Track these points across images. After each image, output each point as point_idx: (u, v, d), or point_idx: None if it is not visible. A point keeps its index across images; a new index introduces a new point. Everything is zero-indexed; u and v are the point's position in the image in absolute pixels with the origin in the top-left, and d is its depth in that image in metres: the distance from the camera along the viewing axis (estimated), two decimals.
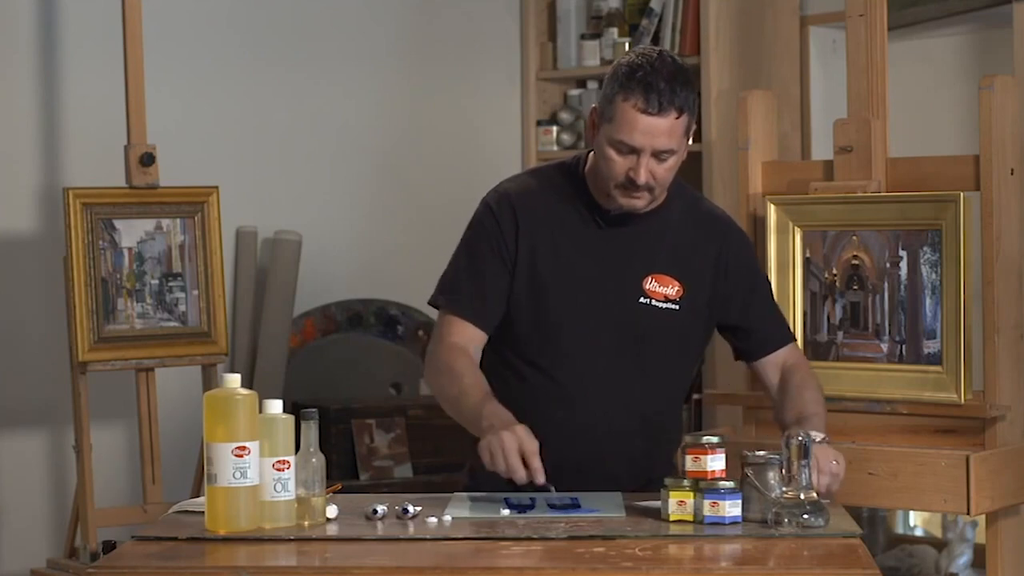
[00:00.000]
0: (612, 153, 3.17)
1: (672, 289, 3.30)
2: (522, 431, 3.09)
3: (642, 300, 3.29)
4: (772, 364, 3.42)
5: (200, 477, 4.61)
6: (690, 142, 3.22)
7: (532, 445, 3.07)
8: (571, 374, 3.28)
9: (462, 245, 3.38)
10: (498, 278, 3.30)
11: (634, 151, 3.15)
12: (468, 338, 3.31)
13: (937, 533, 5.27)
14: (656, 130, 3.13)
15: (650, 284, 3.29)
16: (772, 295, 3.50)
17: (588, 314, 3.27)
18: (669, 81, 3.12)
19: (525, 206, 3.31)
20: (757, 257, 3.53)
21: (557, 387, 3.28)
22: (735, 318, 3.38)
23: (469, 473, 3.40)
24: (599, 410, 3.28)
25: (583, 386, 3.28)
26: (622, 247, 3.29)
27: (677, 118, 3.14)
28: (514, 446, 3.07)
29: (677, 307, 3.30)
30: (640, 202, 3.21)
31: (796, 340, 3.52)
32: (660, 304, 3.29)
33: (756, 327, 3.41)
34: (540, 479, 3.07)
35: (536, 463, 3.06)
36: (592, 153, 3.30)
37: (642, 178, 3.15)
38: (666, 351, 3.33)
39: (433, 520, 2.97)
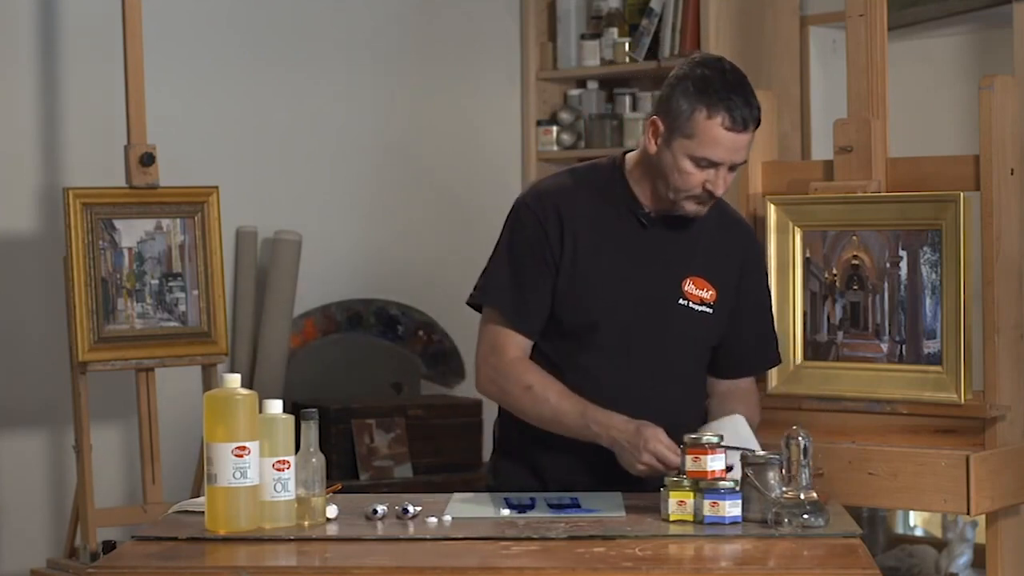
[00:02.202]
0: (690, 166, 3.19)
1: (708, 293, 3.32)
2: (637, 431, 3.14)
3: (680, 302, 3.30)
4: (725, 384, 3.45)
5: (200, 477, 4.61)
6: None
7: (658, 434, 3.12)
8: (607, 372, 3.29)
9: (505, 250, 3.34)
10: (542, 284, 3.29)
11: (713, 164, 3.19)
12: (523, 349, 3.31)
13: (937, 533, 5.28)
14: (740, 144, 3.19)
15: (689, 286, 3.31)
16: (771, 316, 3.52)
17: (626, 313, 3.28)
18: (745, 94, 3.18)
19: (567, 204, 3.31)
20: (768, 278, 3.56)
21: (593, 384, 3.28)
22: (728, 329, 3.39)
23: (492, 471, 3.41)
24: (632, 409, 3.26)
25: (617, 385, 3.28)
26: (662, 248, 3.31)
27: (755, 129, 3.20)
28: (655, 449, 3.12)
29: (711, 311, 3.32)
30: (705, 208, 3.26)
31: (775, 364, 3.57)
32: (697, 307, 3.31)
33: (738, 347, 3.42)
34: (676, 460, 3.09)
35: (670, 443, 3.11)
36: (629, 154, 3.34)
37: (721, 190, 3.21)
38: (696, 354, 3.36)
39: (433, 520, 2.97)
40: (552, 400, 3.25)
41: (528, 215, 3.32)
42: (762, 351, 3.49)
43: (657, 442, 3.12)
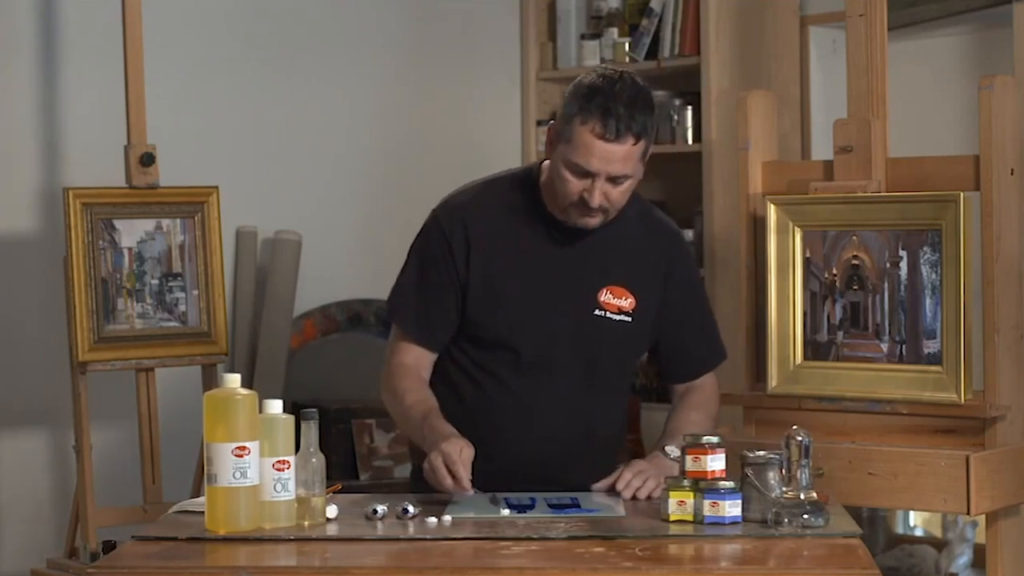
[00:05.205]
0: (567, 174, 3.16)
1: (626, 301, 3.31)
2: (448, 446, 3.10)
3: (597, 312, 3.30)
4: (681, 388, 3.47)
5: (200, 477, 4.61)
6: (645, 163, 3.21)
7: (457, 456, 3.08)
8: (524, 385, 3.29)
9: (411, 260, 3.37)
10: (445, 298, 3.30)
11: (589, 174, 3.14)
12: (415, 357, 3.34)
13: (937, 533, 5.27)
14: (613, 156, 3.11)
15: (605, 296, 3.30)
16: (710, 313, 3.50)
17: (543, 326, 3.28)
18: (628, 106, 3.10)
19: (476, 220, 3.29)
20: (700, 276, 3.54)
21: (511, 397, 3.29)
22: (666, 335, 3.38)
23: (412, 478, 3.43)
24: (550, 420, 3.29)
25: (536, 397, 3.29)
26: (577, 259, 3.29)
27: (634, 144, 3.12)
28: (439, 462, 3.08)
29: (630, 319, 3.32)
30: (594, 220, 3.21)
31: (723, 359, 3.52)
32: (614, 316, 3.30)
33: (684, 350, 3.42)
34: (464, 487, 3.07)
35: (459, 472, 3.06)
36: (547, 164, 3.29)
37: (596, 201, 3.15)
38: (616, 362, 3.36)
39: (433, 520, 2.97)
40: (406, 403, 3.28)
41: (435, 231, 3.31)
42: (704, 350, 3.47)
43: (438, 453, 3.10)
